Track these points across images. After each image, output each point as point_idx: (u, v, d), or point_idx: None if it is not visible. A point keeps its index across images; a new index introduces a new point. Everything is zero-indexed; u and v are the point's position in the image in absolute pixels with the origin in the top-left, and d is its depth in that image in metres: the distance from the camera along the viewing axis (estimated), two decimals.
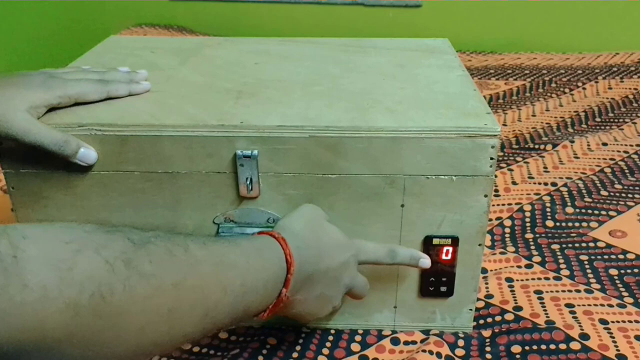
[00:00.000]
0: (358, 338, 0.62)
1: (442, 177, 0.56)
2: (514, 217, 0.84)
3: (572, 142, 1.06)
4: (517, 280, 0.71)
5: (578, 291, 0.69)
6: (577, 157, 1.01)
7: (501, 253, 0.77)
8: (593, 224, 0.82)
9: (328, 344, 0.62)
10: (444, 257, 0.60)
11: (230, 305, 0.42)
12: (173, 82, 0.65)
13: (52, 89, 0.55)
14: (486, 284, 0.71)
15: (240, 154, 0.55)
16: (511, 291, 0.69)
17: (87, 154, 0.55)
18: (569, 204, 0.87)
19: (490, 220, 0.84)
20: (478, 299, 0.68)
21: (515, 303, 0.67)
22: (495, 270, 0.73)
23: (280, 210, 0.58)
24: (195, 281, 0.39)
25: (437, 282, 0.61)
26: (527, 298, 0.68)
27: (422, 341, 0.62)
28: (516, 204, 0.87)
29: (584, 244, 0.78)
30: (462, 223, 0.58)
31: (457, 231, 0.59)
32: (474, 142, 0.54)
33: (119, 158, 0.56)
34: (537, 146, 1.06)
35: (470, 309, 0.63)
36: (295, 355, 0.60)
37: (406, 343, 0.62)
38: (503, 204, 0.87)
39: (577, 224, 0.82)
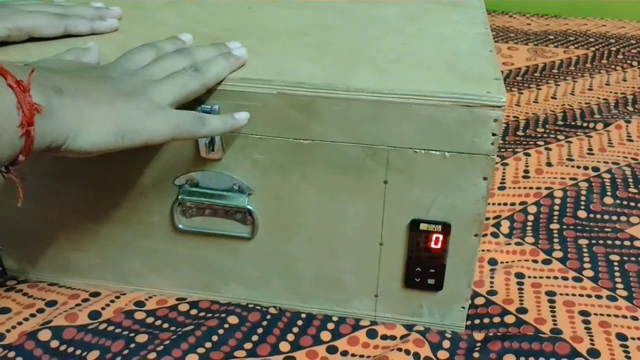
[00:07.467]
0: (331, 326, 0.55)
1: (433, 152, 0.47)
2: (540, 204, 0.73)
3: (629, 122, 0.92)
4: (529, 277, 0.62)
5: (599, 297, 0.59)
6: (631, 140, 0.88)
7: (517, 244, 0.67)
8: (634, 219, 0.70)
9: (295, 329, 0.55)
10: (432, 245, 0.51)
11: None
12: (147, 23, 0.59)
13: (1, 20, 0.49)
14: (492, 277, 0.61)
15: (199, 109, 0.48)
16: (519, 289, 0.60)
17: None
18: (609, 193, 0.75)
19: (514, 204, 0.74)
20: (479, 295, 0.59)
21: (521, 304, 0.58)
22: (506, 262, 0.64)
23: (247, 176, 0.51)
24: None
25: (424, 273, 0.53)
26: (536, 299, 0.59)
27: (402, 337, 0.54)
28: (546, 188, 0.76)
29: (617, 242, 0.67)
30: (456, 208, 0.49)
31: (449, 217, 0.50)
32: (472, 112, 0.45)
33: None
34: (586, 124, 0.94)
35: (463, 307, 0.54)
36: (254, 338, 0.54)
37: (384, 337, 0.54)
38: (531, 187, 0.77)
39: (614, 217, 0.71)
